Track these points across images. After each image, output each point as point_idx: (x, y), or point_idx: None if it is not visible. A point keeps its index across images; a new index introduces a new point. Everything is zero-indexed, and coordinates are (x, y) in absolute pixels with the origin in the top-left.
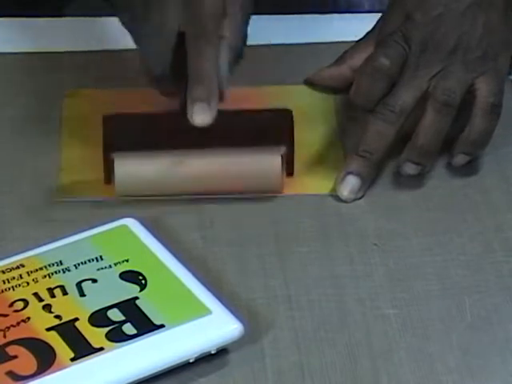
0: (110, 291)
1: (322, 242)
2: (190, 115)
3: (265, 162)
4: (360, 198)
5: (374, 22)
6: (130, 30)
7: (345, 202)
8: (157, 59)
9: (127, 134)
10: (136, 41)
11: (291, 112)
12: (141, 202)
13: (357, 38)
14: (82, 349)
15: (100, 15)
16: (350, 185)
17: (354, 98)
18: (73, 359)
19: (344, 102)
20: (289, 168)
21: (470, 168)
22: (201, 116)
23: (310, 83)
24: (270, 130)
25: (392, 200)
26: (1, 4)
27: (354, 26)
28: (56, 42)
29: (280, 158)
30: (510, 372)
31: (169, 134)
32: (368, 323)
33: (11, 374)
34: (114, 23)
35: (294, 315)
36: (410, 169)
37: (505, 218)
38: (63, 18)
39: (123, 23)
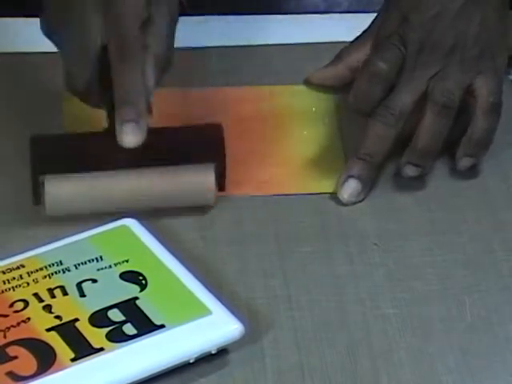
0: (110, 291)
1: (322, 242)
2: (119, 136)
3: (198, 180)
4: (361, 201)
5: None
6: (53, 41)
7: (345, 205)
8: (79, 74)
9: (56, 156)
10: (61, 52)
11: (221, 126)
12: None
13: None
14: (83, 349)
15: None
16: (350, 188)
17: (353, 103)
18: (73, 359)
19: (344, 101)
20: (221, 182)
21: (470, 168)
22: (130, 137)
23: (309, 83)
24: (201, 145)
25: (392, 200)
26: (1, 4)
27: (354, 26)
28: None
29: (213, 175)
30: (510, 372)
31: (99, 154)
32: (368, 323)
33: (11, 375)
34: None
35: (294, 315)
36: (410, 171)
37: (505, 217)
38: None
39: (44, 33)
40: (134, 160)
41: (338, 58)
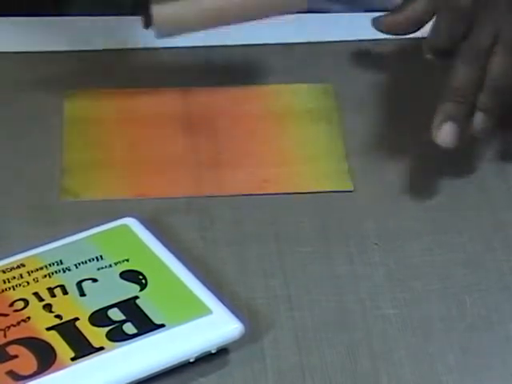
0: (111, 291)
1: (322, 242)
2: None
3: None
4: (458, 145)
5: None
6: None
7: (446, 148)
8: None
9: None
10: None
11: None
12: (141, 202)
13: (357, 38)
14: (83, 348)
15: (100, 15)
16: (447, 131)
17: (433, 41)
18: (73, 359)
19: (345, 101)
20: None
21: (470, 167)
22: None
23: (379, 29)
24: None
25: (392, 200)
26: (1, 4)
27: (355, 26)
28: (56, 42)
29: None
30: (510, 372)
31: None
32: (368, 323)
33: (12, 374)
34: (114, 23)
35: (294, 315)
36: (479, 120)
37: (505, 216)
38: (63, 18)
39: None
40: None
41: (400, 6)
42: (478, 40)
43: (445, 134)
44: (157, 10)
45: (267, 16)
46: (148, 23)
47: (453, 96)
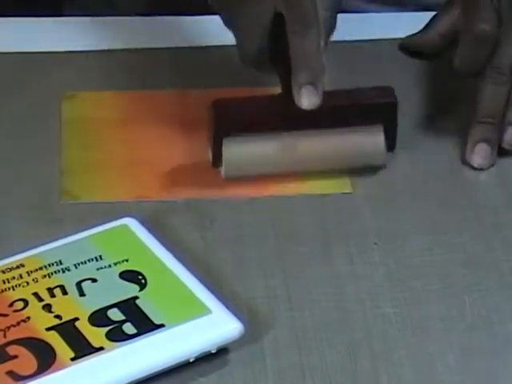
0: (110, 291)
1: (322, 242)
2: (298, 99)
3: (369, 140)
4: (492, 166)
5: (374, 23)
6: (227, 21)
7: (480, 169)
8: (254, 42)
9: (236, 118)
10: (234, 28)
11: (393, 89)
12: (140, 202)
13: (357, 38)
14: (83, 348)
15: (100, 15)
16: (481, 152)
17: (459, 68)
18: (73, 359)
19: None
20: (391, 143)
21: (469, 167)
22: (309, 99)
23: (403, 48)
24: (373, 106)
25: (392, 199)
26: (0, 4)
27: (355, 26)
28: (56, 42)
29: (383, 135)
30: (510, 372)
31: (274, 117)
32: (368, 323)
33: (11, 374)
34: (113, 23)
35: (294, 315)
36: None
37: (505, 216)
38: (63, 18)
39: (223, 21)
40: (308, 122)
41: (429, 24)
42: (501, 61)
43: (479, 156)
44: (227, 153)
45: (343, 166)
46: (216, 162)
47: (482, 118)
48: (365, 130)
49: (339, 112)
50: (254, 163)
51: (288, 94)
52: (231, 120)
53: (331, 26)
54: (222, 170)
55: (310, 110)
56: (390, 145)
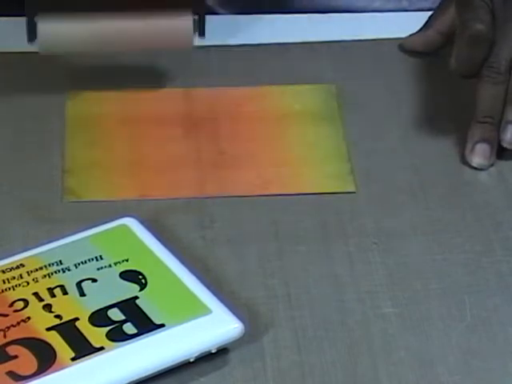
0: (110, 291)
1: (322, 242)
2: None
3: (176, 23)
4: (492, 165)
5: (374, 22)
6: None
7: (480, 170)
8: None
9: None
10: None
11: None
12: (140, 201)
13: (357, 38)
14: (83, 348)
15: None
16: (481, 152)
17: (456, 68)
18: (73, 359)
19: (345, 100)
20: (200, 26)
21: (469, 167)
22: None
23: (403, 49)
24: None
25: (392, 199)
26: (0, 4)
27: (354, 26)
28: None
29: (191, 18)
30: (509, 372)
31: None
32: (368, 322)
33: (11, 374)
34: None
35: (294, 315)
36: (510, 134)
37: (504, 217)
38: None
39: None
40: (119, 4)
41: (428, 23)
42: (498, 61)
43: (479, 156)
44: (42, 26)
45: (152, 49)
46: (32, 37)
47: (481, 118)
48: (173, 13)
49: None
50: (67, 41)
51: None
52: None
53: None
54: (38, 45)
55: None
56: (200, 30)
